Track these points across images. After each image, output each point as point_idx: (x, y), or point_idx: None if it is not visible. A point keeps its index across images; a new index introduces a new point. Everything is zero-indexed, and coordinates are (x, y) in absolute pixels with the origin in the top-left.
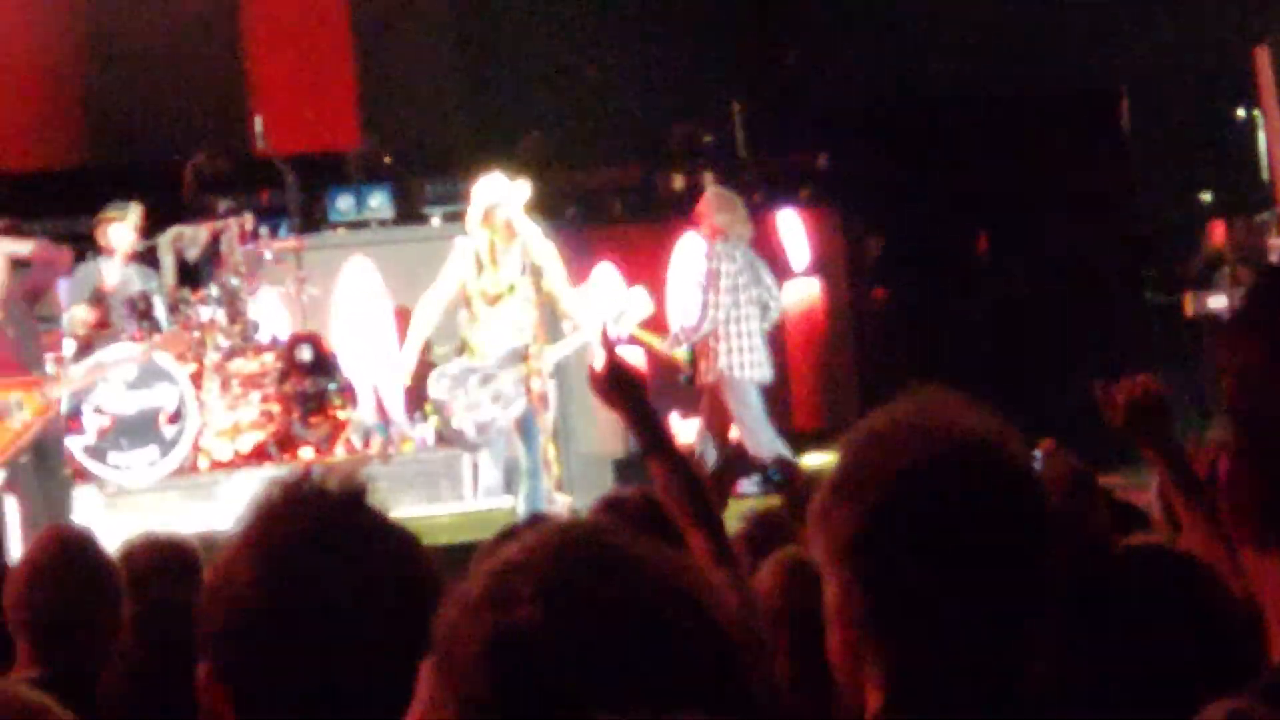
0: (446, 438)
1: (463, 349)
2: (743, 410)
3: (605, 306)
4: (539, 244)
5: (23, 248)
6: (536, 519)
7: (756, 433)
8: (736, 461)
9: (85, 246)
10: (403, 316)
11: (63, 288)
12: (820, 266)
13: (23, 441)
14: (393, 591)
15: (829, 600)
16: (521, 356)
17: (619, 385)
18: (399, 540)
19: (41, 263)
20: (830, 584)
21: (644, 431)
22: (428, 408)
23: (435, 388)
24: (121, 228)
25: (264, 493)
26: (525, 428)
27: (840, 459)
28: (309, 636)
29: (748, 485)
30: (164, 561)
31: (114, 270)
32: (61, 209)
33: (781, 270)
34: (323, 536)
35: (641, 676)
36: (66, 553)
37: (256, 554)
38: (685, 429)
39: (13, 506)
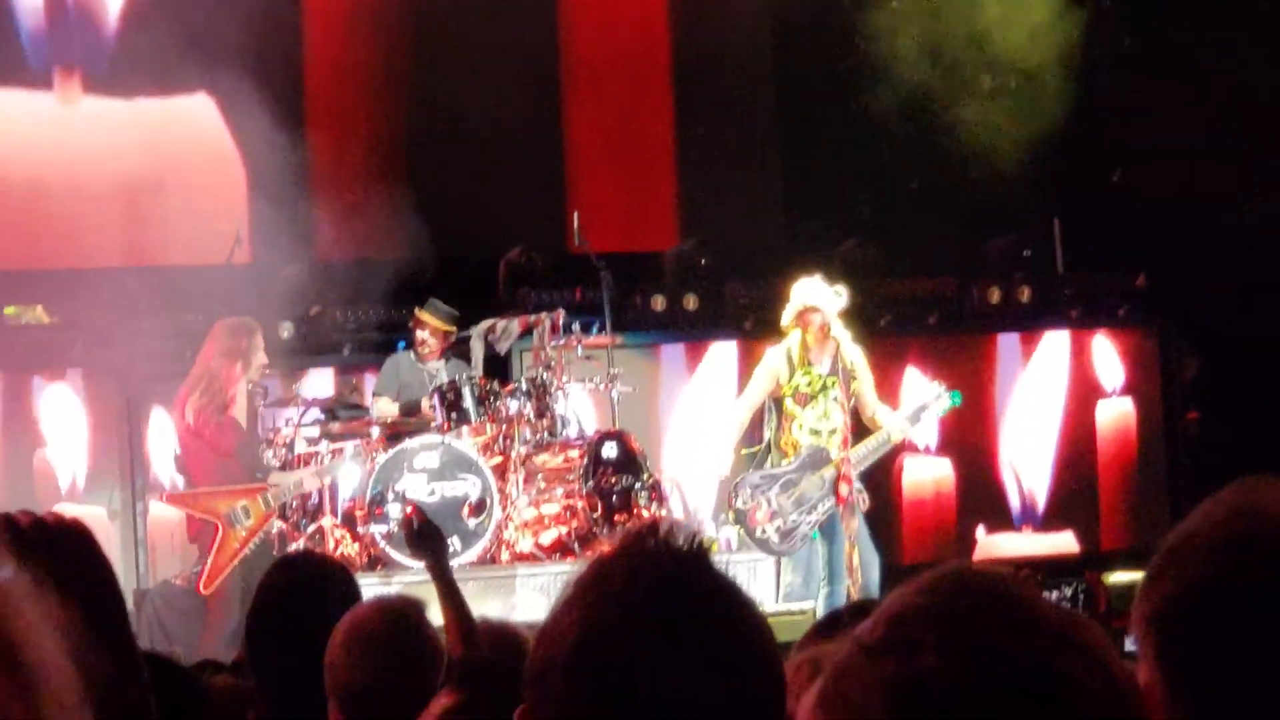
0: (750, 544)
1: (769, 451)
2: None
3: (908, 404)
4: (850, 348)
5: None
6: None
7: None
8: None
9: (399, 335)
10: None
11: (369, 377)
12: (1134, 386)
13: (246, 549)
14: (738, 649)
15: (1140, 679)
16: (826, 459)
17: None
18: (742, 600)
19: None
20: (1141, 665)
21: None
22: (729, 515)
23: (737, 498)
24: (434, 327)
25: (607, 544)
26: (829, 532)
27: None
28: (647, 686)
29: None
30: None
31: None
32: (384, 298)
33: (1094, 389)
34: (666, 584)
35: None
36: (386, 621)
37: (591, 597)
38: None
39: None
